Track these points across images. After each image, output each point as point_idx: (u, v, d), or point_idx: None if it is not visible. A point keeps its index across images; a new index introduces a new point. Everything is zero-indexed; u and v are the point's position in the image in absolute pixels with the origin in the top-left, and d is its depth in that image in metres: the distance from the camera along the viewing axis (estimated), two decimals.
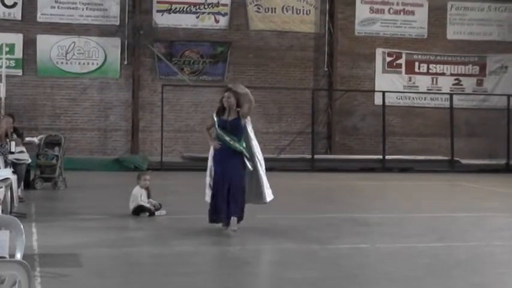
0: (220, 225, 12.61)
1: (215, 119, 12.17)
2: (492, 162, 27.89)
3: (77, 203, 16.29)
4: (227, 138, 12.10)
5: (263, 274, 10.40)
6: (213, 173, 12.45)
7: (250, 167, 12.25)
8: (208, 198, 12.48)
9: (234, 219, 12.27)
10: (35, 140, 18.86)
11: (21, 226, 6.55)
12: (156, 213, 14.61)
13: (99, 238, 12.42)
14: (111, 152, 27.03)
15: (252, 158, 12.39)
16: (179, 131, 27.56)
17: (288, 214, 15.23)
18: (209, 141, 12.42)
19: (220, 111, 12.15)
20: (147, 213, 14.50)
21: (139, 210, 14.50)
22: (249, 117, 12.35)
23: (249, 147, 12.37)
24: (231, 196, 12.25)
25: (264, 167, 12.47)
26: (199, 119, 27.65)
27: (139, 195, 14.69)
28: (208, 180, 12.58)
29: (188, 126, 27.76)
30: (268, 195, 12.58)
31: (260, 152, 12.54)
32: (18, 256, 5.99)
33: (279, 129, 27.89)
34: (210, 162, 12.49)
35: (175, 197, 17.14)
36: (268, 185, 12.51)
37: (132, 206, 14.59)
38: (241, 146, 12.17)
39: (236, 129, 12.14)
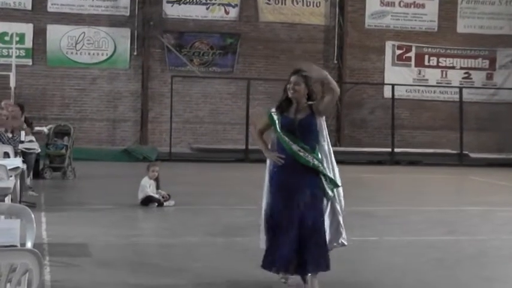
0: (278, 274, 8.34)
1: (274, 117, 8.00)
2: (501, 157, 28.04)
3: (85, 193, 16.38)
4: (295, 148, 7.86)
5: None
6: (269, 209, 8.15)
7: (330, 193, 8.01)
8: (263, 244, 8.28)
9: (313, 279, 8.00)
10: (45, 129, 18.86)
11: (32, 215, 6.37)
12: (165, 203, 14.66)
13: (107, 228, 12.41)
14: (120, 143, 27.19)
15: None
16: (188, 122, 27.71)
17: None
18: (265, 153, 8.19)
19: (284, 105, 8.00)
20: (156, 204, 14.56)
21: (148, 200, 14.56)
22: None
23: (326, 162, 8.15)
24: (304, 241, 7.97)
25: (342, 194, 8.22)
26: (208, 110, 28.09)
27: (148, 186, 14.75)
28: (263, 221, 8.30)
29: (197, 117, 27.94)
30: (345, 237, 8.23)
31: (337, 168, 8.28)
32: (29, 245, 5.88)
33: None
34: (265, 188, 8.25)
35: (184, 188, 16.97)
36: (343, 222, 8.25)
37: (140, 196, 14.64)
38: (317, 160, 7.93)
39: (308, 133, 7.97)
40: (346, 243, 8.20)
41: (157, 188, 14.88)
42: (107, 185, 18.24)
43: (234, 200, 16.74)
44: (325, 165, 8.01)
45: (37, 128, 18.71)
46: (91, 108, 27.42)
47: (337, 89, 7.90)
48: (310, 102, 7.92)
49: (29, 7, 26.86)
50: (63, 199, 15.79)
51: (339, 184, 8.10)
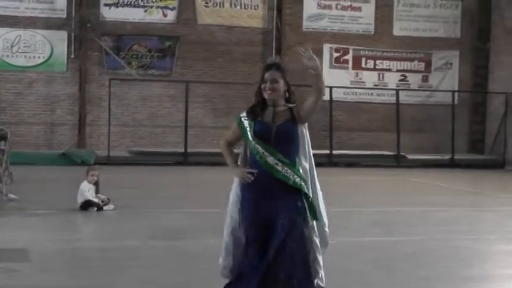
0: None
1: (245, 123, 6.59)
2: (437, 157, 28.60)
3: (24, 198, 16.02)
4: (271, 160, 6.38)
5: (213, 268, 10.28)
6: (241, 234, 6.67)
7: (310, 221, 6.50)
8: (226, 271, 6.87)
9: None
10: None
11: None
12: (105, 208, 14.65)
13: (47, 233, 12.39)
14: (58, 146, 26.85)
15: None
16: (126, 125, 27.64)
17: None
18: (231, 168, 6.71)
19: (257, 110, 6.57)
20: (95, 208, 14.52)
21: (87, 205, 14.49)
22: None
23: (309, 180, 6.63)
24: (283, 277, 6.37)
25: (327, 225, 6.67)
26: (147, 113, 28.37)
27: (87, 190, 14.68)
28: (227, 240, 6.86)
29: (135, 120, 27.90)
30: (322, 277, 6.61)
31: (320, 193, 6.71)
32: None
33: (227, 123, 27.94)
34: (231, 208, 6.74)
35: (123, 192, 17.08)
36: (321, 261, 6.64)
37: (80, 200, 14.56)
38: (298, 177, 6.44)
39: (288, 143, 6.50)
40: (322, 284, 6.49)
41: (97, 192, 14.81)
42: (45, 190, 18.08)
43: (174, 203, 16.76)
44: (308, 186, 6.46)
45: None
46: (28, 111, 27.13)
47: (324, 91, 6.58)
48: (290, 105, 6.52)
49: None
50: (0, 204, 15.38)
51: (322, 215, 6.55)
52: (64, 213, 14.44)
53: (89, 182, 14.75)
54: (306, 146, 6.56)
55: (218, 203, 15.11)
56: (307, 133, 6.53)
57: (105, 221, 14.01)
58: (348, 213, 14.69)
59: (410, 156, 28.05)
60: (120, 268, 9.83)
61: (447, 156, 28.54)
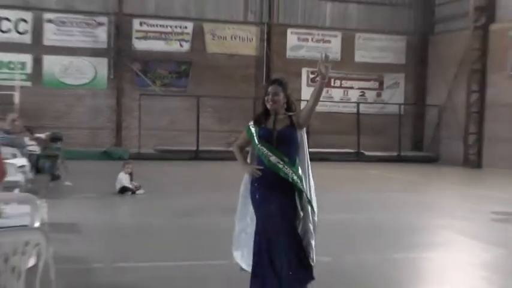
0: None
1: (252, 130, 6.15)
2: (388, 154, 28.42)
3: (75, 185, 16.17)
4: (273, 159, 5.95)
5: (220, 239, 9.89)
6: (253, 225, 6.05)
7: (302, 213, 6.02)
8: (244, 264, 6.16)
9: None
10: (43, 136, 18.60)
11: (37, 202, 6.48)
12: (137, 192, 14.72)
13: (92, 211, 12.46)
14: (100, 146, 26.65)
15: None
16: (152, 130, 26.94)
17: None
18: (241, 166, 6.21)
19: (262, 118, 6.15)
20: (130, 192, 14.63)
21: (124, 190, 14.62)
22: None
23: (304, 180, 6.05)
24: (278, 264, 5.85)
25: (316, 214, 6.02)
26: (168, 120, 27.62)
27: (123, 179, 14.80)
28: (238, 231, 6.25)
29: (159, 125, 27.43)
30: (313, 257, 6.00)
31: (313, 188, 6.19)
32: (37, 224, 5.85)
33: (228, 129, 27.97)
34: (241, 201, 6.23)
35: (151, 180, 16.93)
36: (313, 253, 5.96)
37: (118, 186, 14.70)
38: (296, 176, 5.95)
39: (288, 145, 6.04)
40: (313, 263, 5.97)
41: (131, 180, 14.90)
42: (91, 179, 18.00)
43: (189, 188, 16.81)
44: (303, 183, 5.99)
45: (36, 135, 18.35)
46: (77, 119, 26.97)
47: (320, 99, 5.98)
48: (289, 113, 6.06)
49: (29, 41, 26.42)
50: (58, 189, 15.57)
51: (315, 208, 6.01)
52: (106, 196, 14.55)
53: (125, 173, 14.92)
54: (305, 148, 6.08)
55: (222, 188, 15.79)
56: (305, 138, 6.07)
57: (137, 202, 14.08)
58: (321, 197, 14.76)
59: (367, 153, 27.89)
60: (148, 238, 9.95)
61: (395, 153, 28.49)
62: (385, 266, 8.26)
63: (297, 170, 5.91)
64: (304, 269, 5.81)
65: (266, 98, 5.95)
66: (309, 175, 6.04)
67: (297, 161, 5.97)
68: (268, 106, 5.93)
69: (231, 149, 6.47)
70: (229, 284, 7.15)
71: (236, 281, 6.65)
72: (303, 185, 5.89)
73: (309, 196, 5.95)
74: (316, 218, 6.00)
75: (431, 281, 8.03)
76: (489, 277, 8.08)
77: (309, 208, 5.91)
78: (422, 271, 8.51)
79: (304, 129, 6.02)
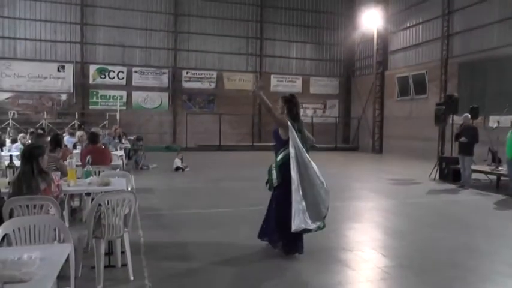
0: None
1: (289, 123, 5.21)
2: (328, 146, 26.69)
3: (151, 167, 15.58)
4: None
5: (240, 197, 9.28)
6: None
7: (275, 182, 5.12)
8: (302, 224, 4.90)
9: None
10: (132, 137, 18.24)
11: (130, 176, 6.32)
12: (186, 169, 14.55)
13: (161, 181, 12.19)
14: (164, 143, 25.93)
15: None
16: (194, 133, 26.49)
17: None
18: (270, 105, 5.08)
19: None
20: (182, 170, 14.47)
21: (177, 168, 14.51)
22: (290, 125, 5.23)
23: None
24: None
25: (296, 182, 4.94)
26: (203, 128, 26.89)
27: (177, 162, 14.69)
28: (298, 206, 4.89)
29: (198, 130, 26.68)
30: (327, 208, 5.08)
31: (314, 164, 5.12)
32: (129, 189, 5.67)
33: (238, 132, 27.53)
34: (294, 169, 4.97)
35: (194, 162, 16.46)
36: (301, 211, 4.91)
37: (174, 166, 14.62)
38: (275, 161, 5.20)
39: (274, 141, 5.34)
40: (326, 211, 5.06)
41: (182, 162, 14.74)
42: (159, 162, 16.90)
43: (217, 167, 16.07)
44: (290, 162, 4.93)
45: (129, 137, 18.25)
46: (150, 128, 26.27)
47: (266, 107, 5.12)
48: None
49: (124, 83, 26.06)
50: (140, 170, 15.02)
51: (322, 180, 4.91)
52: (167, 172, 14.15)
53: (178, 158, 14.79)
54: (290, 140, 5.09)
55: (236, 166, 15.89)
56: (293, 131, 5.12)
57: (186, 176, 13.53)
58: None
59: (318, 145, 27.57)
60: (194, 195, 9.62)
61: (333, 145, 27.39)
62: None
63: (277, 157, 5.24)
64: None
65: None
66: (304, 157, 5.13)
67: (279, 153, 5.20)
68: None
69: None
70: (242, 221, 7.09)
71: (247, 220, 6.77)
72: (277, 169, 5.15)
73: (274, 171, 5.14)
74: (326, 187, 5.15)
75: (353, 219, 7.80)
76: (387, 216, 7.97)
77: (296, 179, 4.94)
78: (349, 213, 8.24)
79: (290, 126, 5.12)
